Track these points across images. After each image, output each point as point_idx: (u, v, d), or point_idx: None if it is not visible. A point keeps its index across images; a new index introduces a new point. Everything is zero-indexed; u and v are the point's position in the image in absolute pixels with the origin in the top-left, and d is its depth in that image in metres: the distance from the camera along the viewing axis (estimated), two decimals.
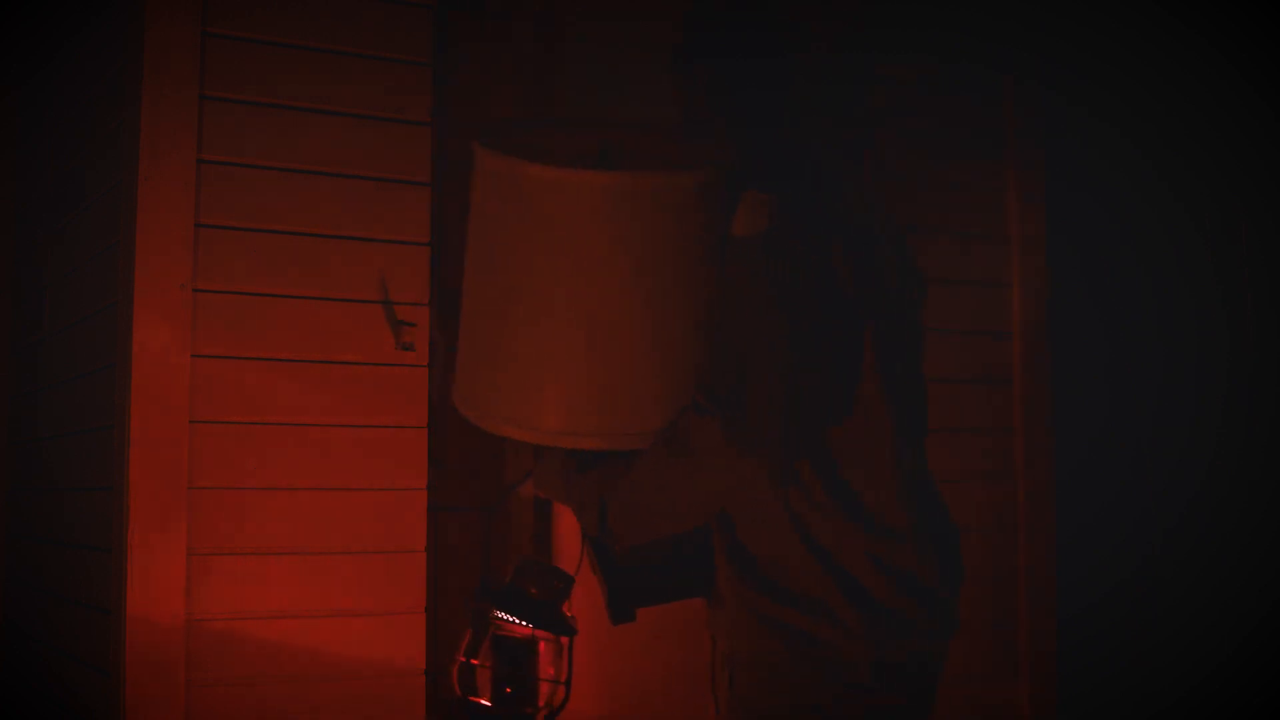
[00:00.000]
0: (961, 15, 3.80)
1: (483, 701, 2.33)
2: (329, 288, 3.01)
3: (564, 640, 2.30)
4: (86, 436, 3.16)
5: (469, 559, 3.21)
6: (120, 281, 2.92)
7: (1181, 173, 4.17)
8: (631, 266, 2.04)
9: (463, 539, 3.21)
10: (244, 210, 2.94)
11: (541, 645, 2.32)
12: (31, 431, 3.72)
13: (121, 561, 2.79)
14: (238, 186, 2.94)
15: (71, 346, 3.38)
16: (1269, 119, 3.89)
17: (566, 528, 3.21)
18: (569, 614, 2.30)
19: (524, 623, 2.27)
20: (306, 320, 2.98)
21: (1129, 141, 4.14)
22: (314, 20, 3.03)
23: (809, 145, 2.11)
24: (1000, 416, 3.87)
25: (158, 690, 2.77)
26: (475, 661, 2.30)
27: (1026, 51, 3.89)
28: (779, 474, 1.92)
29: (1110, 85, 4.07)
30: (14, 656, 3.72)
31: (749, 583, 1.97)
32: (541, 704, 2.31)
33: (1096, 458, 4.19)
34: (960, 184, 3.86)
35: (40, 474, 3.64)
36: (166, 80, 2.88)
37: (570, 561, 2.32)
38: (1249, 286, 3.93)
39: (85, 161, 3.36)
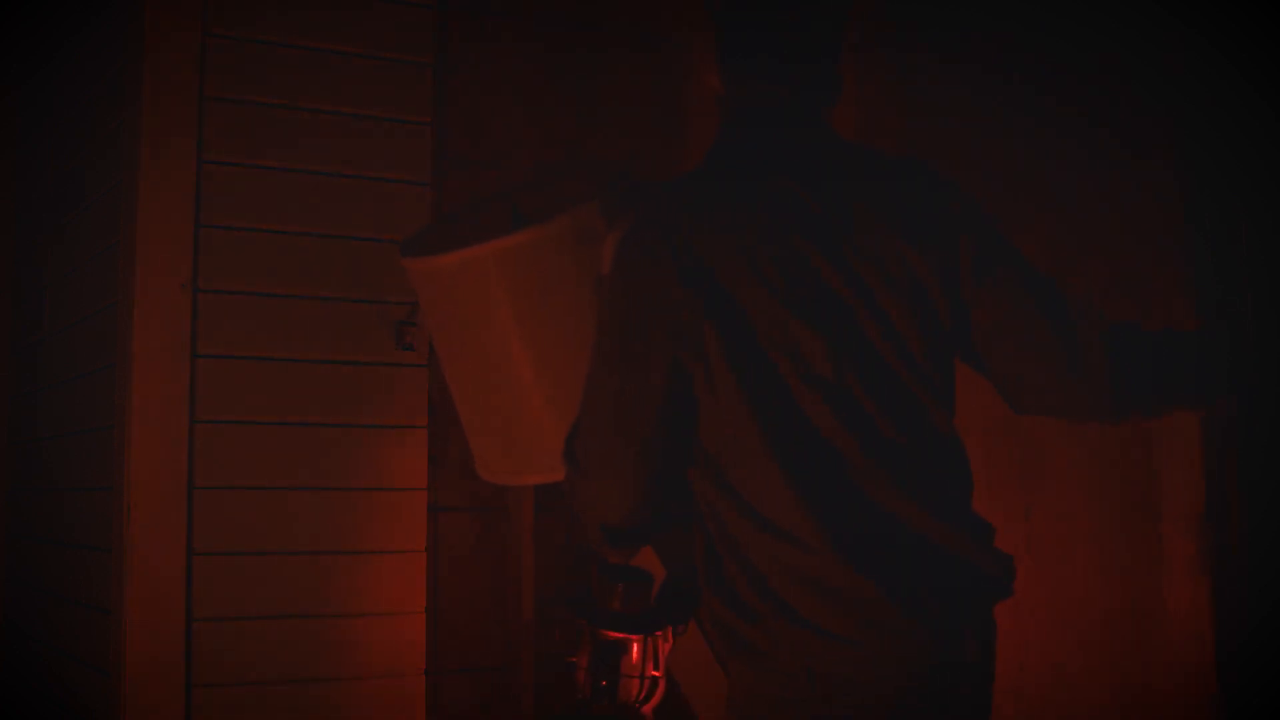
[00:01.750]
0: (962, 15, 3.80)
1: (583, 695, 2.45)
2: (329, 288, 3.01)
3: (650, 637, 2.38)
4: (86, 436, 3.16)
5: (469, 559, 3.20)
6: (120, 281, 2.91)
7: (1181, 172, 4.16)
8: (520, 318, 2.29)
9: (463, 539, 3.21)
10: (244, 210, 2.94)
11: (634, 646, 2.37)
12: (31, 431, 3.72)
13: (121, 561, 2.79)
14: (238, 186, 2.94)
15: (71, 346, 3.38)
16: (1269, 119, 3.89)
17: None
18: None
19: (614, 632, 2.37)
20: (306, 320, 2.98)
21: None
22: (314, 20, 3.03)
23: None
24: None
25: (158, 690, 2.77)
26: (572, 659, 2.42)
27: (1027, 52, 3.89)
28: (634, 506, 1.94)
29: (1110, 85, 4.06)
30: (14, 656, 3.72)
31: (715, 589, 1.91)
32: (634, 698, 2.38)
33: None
34: None
35: (40, 474, 3.64)
36: (166, 80, 2.88)
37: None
38: (1249, 286, 3.93)
39: (85, 161, 3.36)
